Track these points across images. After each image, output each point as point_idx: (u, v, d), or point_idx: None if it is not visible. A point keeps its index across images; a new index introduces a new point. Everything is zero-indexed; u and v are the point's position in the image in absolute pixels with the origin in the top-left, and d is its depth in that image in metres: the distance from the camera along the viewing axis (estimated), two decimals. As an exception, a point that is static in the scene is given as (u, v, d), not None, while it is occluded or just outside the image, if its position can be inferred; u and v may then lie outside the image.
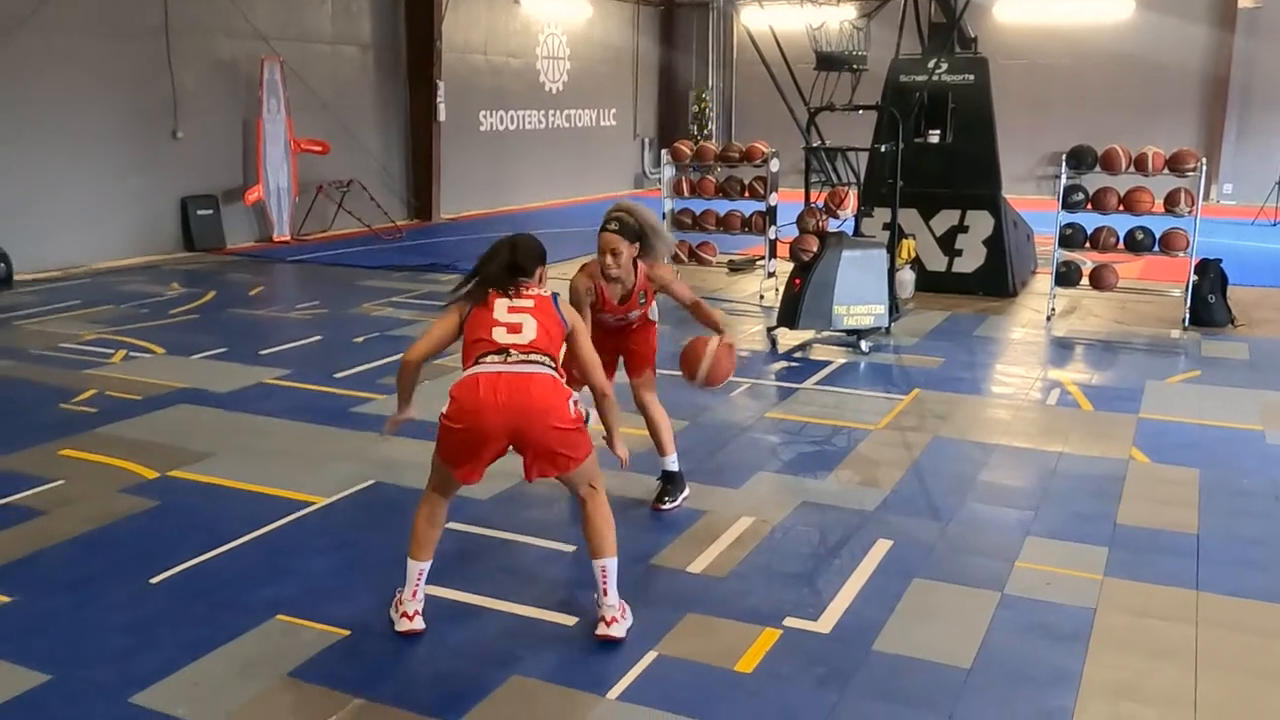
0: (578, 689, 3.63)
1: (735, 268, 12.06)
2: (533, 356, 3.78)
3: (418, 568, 3.96)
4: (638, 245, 4.72)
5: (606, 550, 3.94)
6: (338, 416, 6.67)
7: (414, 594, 3.97)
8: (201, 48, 13.52)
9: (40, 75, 11.75)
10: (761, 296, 10.65)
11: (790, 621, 4.09)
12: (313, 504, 5.23)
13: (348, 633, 3.97)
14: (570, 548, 4.76)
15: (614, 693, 3.61)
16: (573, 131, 21.17)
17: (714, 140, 20.33)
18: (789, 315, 8.56)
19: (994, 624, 4.10)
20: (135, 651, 3.84)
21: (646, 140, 23.53)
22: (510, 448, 3.82)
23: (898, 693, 3.63)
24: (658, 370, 5.26)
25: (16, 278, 11.21)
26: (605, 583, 3.93)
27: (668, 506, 5.19)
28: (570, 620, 4.09)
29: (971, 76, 11.00)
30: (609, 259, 4.68)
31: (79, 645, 3.89)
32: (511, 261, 3.96)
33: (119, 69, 12.57)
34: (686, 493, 5.29)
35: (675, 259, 11.06)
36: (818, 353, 8.50)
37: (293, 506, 5.19)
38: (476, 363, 3.78)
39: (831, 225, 8.90)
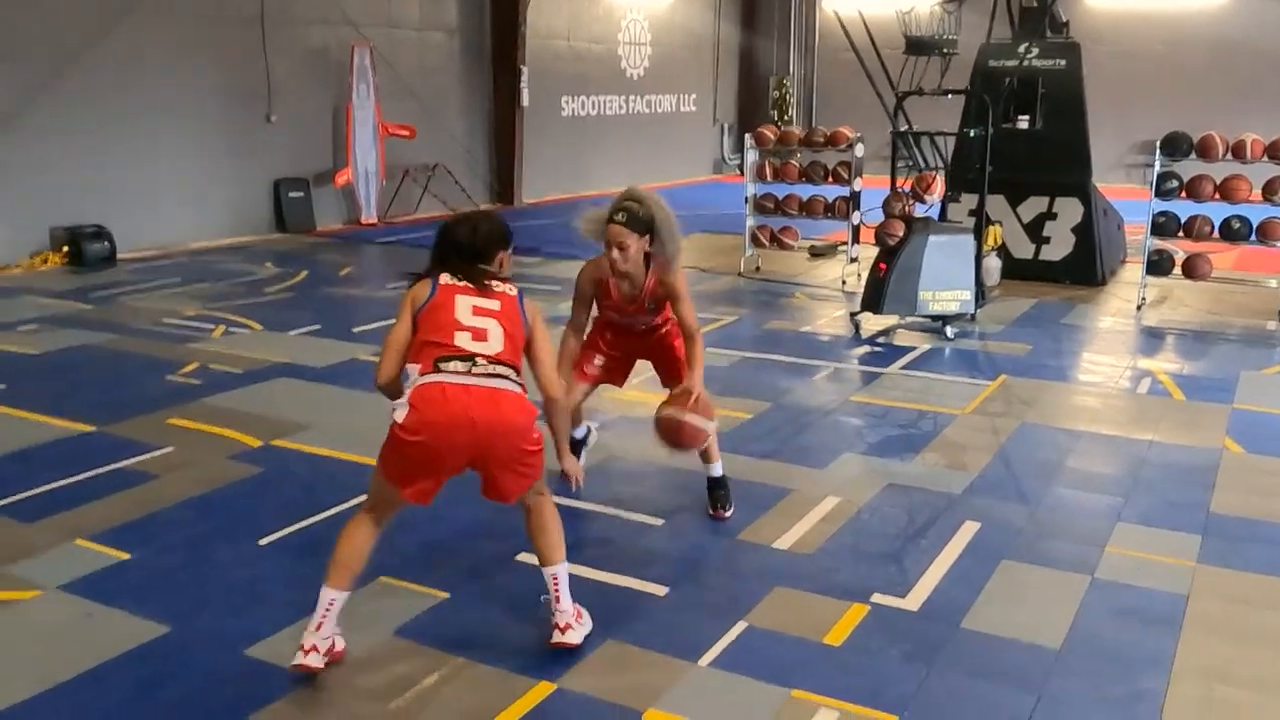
0: (670, 655, 3.72)
1: (816, 253, 12.04)
2: (500, 369, 3.42)
3: (329, 596, 3.44)
4: (648, 238, 4.30)
5: (556, 556, 3.68)
6: (429, 392, 6.85)
7: (318, 626, 3.43)
8: (295, 34, 13.85)
9: (147, 60, 12.16)
10: (844, 281, 10.62)
11: (878, 598, 4.14)
12: (409, 474, 5.39)
13: (446, 595, 4.12)
14: (659, 521, 4.86)
15: (706, 659, 3.70)
16: (653, 117, 21.23)
17: (795, 125, 20.23)
18: (873, 300, 8.54)
19: (1084, 607, 4.10)
20: (248, 607, 4.03)
21: (726, 126, 23.50)
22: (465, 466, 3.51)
23: (987, 669, 3.67)
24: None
25: (119, 256, 11.66)
26: (557, 589, 3.67)
27: (729, 513, 4.88)
28: (661, 590, 4.19)
29: (1063, 62, 10.82)
30: (616, 254, 4.26)
31: (195, 600, 4.09)
32: (471, 245, 3.57)
33: (218, 55, 12.95)
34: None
35: (755, 242, 11.11)
36: (901, 338, 8.47)
37: (389, 476, 5.36)
38: (437, 369, 3.38)
39: (918, 210, 8.85)
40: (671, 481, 5.38)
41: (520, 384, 3.46)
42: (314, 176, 14.33)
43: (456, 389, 3.32)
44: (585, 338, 4.81)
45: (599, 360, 4.88)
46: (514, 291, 3.57)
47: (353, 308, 9.64)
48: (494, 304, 3.50)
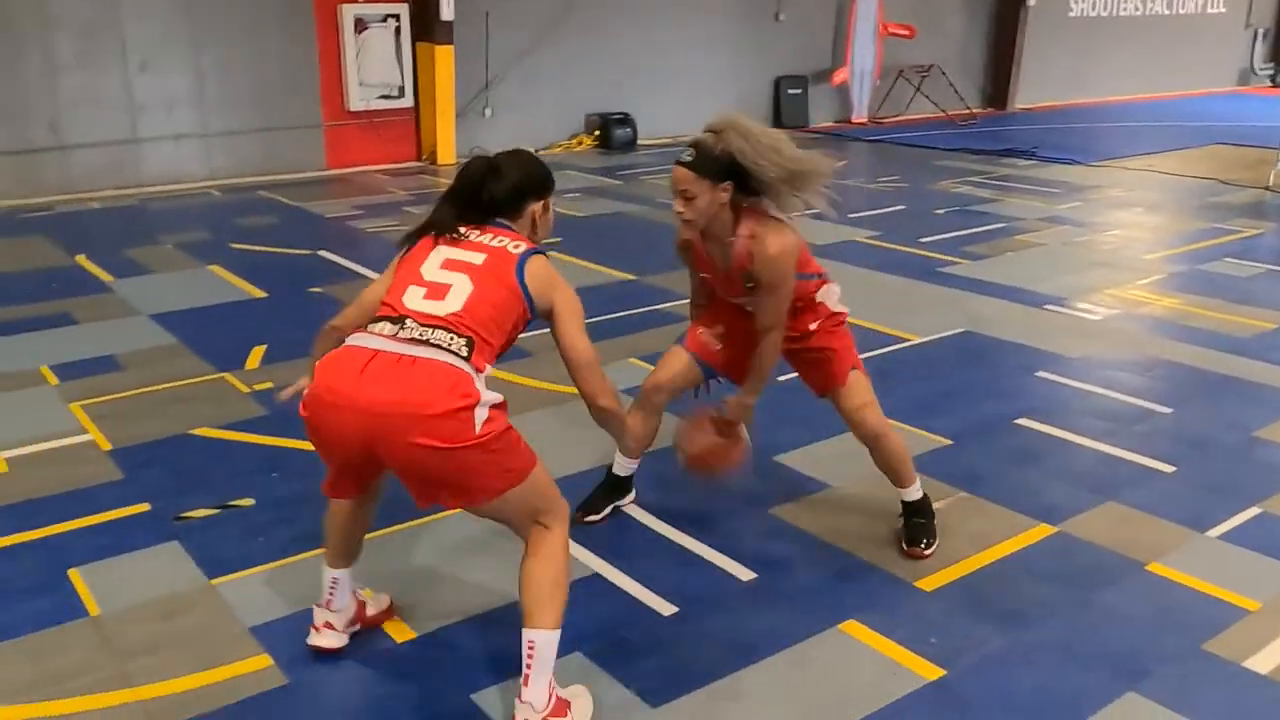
0: (1175, 522, 3.78)
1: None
2: (436, 335, 2.48)
3: (330, 575, 2.93)
4: (730, 185, 3.11)
5: (536, 617, 2.58)
6: (926, 273, 7.12)
7: (327, 602, 2.96)
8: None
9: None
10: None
11: None
12: (908, 340, 5.75)
13: (950, 442, 4.44)
14: (1167, 409, 4.82)
15: (1213, 532, 3.71)
16: (1173, 19, 19.36)
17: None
18: None
19: None
20: (774, 425, 4.60)
21: (1260, 31, 20.85)
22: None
23: None
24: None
25: (639, 141, 12.98)
26: (530, 665, 2.58)
27: (929, 550, 3.56)
28: (1168, 468, 4.21)
29: None
30: (679, 203, 3.15)
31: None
32: (481, 188, 2.71)
33: (737, -45, 13.78)
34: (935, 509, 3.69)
35: None
36: None
37: (890, 340, 5.74)
38: (367, 331, 2.57)
39: None
40: (1177, 375, 5.27)
41: (465, 358, 2.47)
42: (812, 74, 14.86)
43: (360, 355, 2.48)
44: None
45: (720, 331, 3.55)
46: (518, 248, 2.65)
47: (848, 196, 10.07)
48: (476, 257, 2.62)
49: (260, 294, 6.63)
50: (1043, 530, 3.74)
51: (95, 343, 5.61)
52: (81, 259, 7.41)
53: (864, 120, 15.14)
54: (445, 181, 10.79)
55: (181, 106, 10.30)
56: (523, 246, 2.65)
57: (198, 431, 4.48)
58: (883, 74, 15.18)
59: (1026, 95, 17.05)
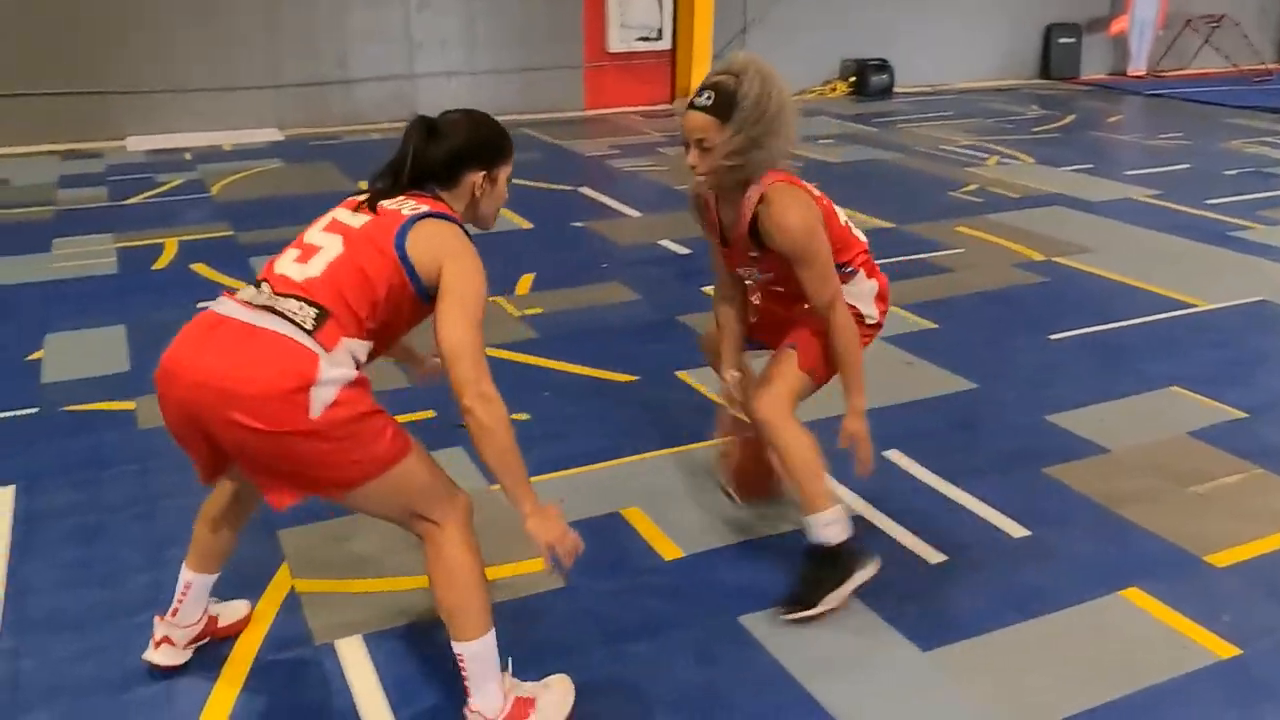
0: None
1: None
2: (286, 303, 2.18)
3: (185, 578, 2.62)
4: (744, 132, 2.65)
5: (461, 628, 2.34)
6: (1215, 237, 6.60)
7: (174, 611, 2.63)
8: None
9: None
10: None
11: None
12: (1196, 306, 5.35)
13: (1245, 415, 4.11)
14: None
15: None
16: None
17: None
18: None
19: None
20: (1047, 383, 4.43)
21: None
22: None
23: None
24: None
25: (895, 89, 12.60)
26: (465, 677, 2.37)
27: (791, 615, 2.83)
28: None
29: None
30: (693, 155, 2.73)
31: (997, 369, 4.57)
32: (414, 155, 2.40)
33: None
34: (860, 579, 2.86)
35: None
36: None
37: (1175, 305, 5.36)
38: (227, 294, 2.31)
39: None
40: None
41: (310, 332, 2.14)
42: (1087, 23, 13.94)
43: (208, 321, 2.22)
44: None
45: (756, 300, 3.21)
46: (411, 211, 2.30)
47: (1123, 152, 9.47)
48: (359, 220, 2.32)
49: (527, 225, 6.90)
50: (1351, 516, 3.43)
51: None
52: (363, 185, 7.90)
53: (1142, 73, 14.10)
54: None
55: (453, 45, 10.79)
56: (422, 209, 2.30)
57: (474, 349, 4.74)
58: (1167, 23, 14.05)
59: (1334, 51, 15.42)
